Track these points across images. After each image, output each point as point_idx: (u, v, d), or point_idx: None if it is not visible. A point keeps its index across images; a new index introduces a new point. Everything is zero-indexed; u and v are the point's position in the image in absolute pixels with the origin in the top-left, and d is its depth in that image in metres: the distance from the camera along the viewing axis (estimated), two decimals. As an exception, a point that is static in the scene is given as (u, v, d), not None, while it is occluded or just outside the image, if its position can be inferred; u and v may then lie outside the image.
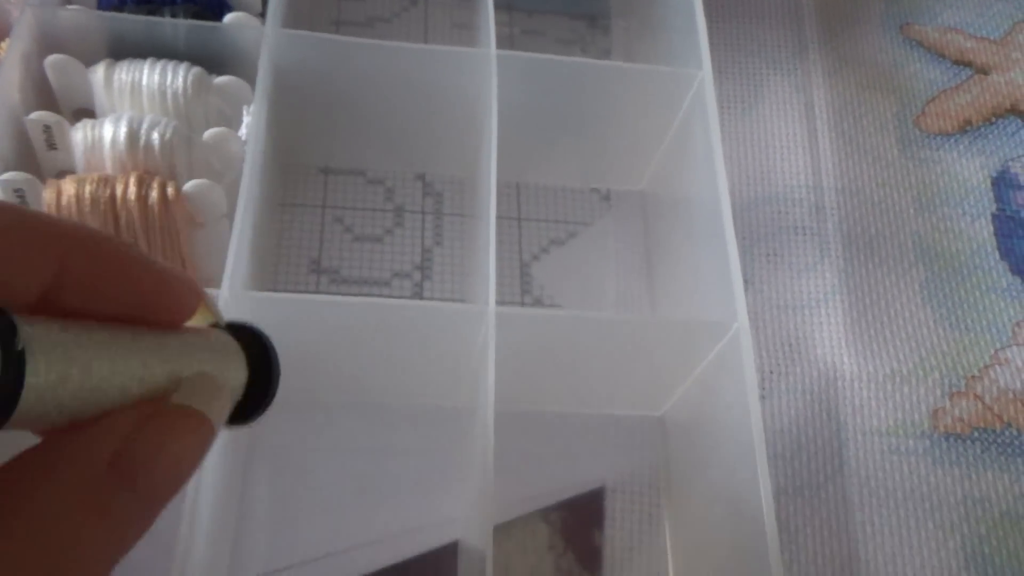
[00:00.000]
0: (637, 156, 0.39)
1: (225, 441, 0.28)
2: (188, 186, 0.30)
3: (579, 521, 0.33)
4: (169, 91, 0.31)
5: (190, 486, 0.24)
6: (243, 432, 0.29)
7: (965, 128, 0.43)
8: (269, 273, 0.35)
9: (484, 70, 0.32)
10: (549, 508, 0.33)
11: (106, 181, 0.30)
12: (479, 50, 0.33)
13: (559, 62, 0.33)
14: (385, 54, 0.33)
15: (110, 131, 0.30)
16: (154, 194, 0.29)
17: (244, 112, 0.32)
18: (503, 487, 0.32)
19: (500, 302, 0.36)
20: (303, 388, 0.29)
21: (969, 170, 0.42)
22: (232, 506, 0.30)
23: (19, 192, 0.29)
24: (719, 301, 0.30)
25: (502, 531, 0.32)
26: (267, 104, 0.32)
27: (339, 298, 0.28)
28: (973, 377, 0.37)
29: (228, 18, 0.33)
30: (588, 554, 0.32)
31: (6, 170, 0.29)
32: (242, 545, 0.30)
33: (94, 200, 0.29)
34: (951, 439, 0.35)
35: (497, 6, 0.44)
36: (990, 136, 0.43)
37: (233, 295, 0.27)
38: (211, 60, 0.33)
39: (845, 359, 0.37)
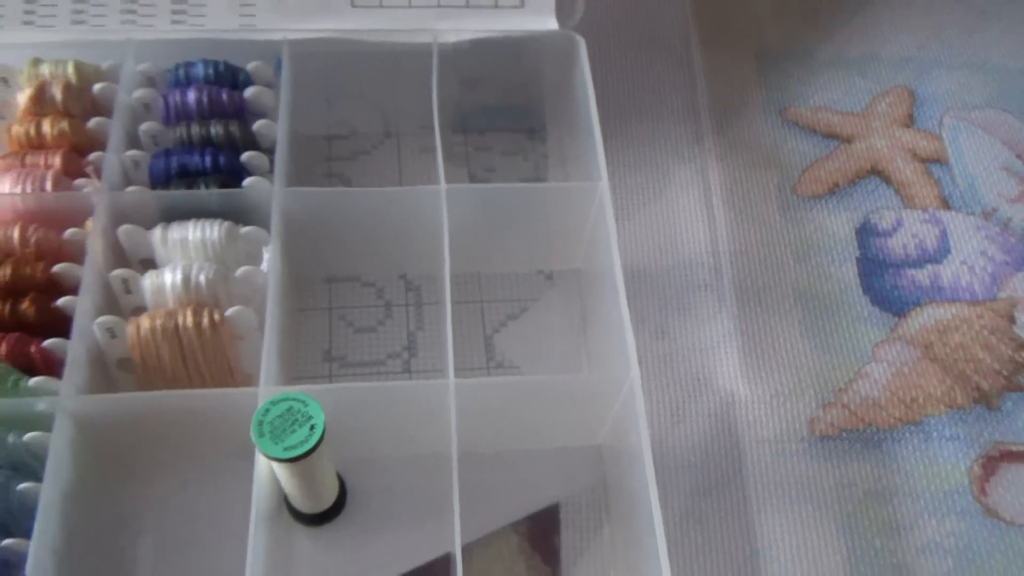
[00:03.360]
0: (570, 243, 0.49)
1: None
2: (229, 312, 0.41)
3: (541, 530, 0.43)
4: (208, 242, 0.43)
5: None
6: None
7: (833, 190, 0.54)
8: (292, 365, 0.46)
9: (437, 201, 0.44)
10: (518, 522, 0.44)
11: (170, 314, 0.41)
12: (432, 187, 0.44)
13: (491, 188, 0.45)
14: (363, 196, 0.45)
15: (169, 277, 0.42)
16: (205, 321, 0.41)
17: (264, 252, 0.43)
18: (480, 510, 0.43)
19: (468, 368, 0.47)
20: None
21: (837, 224, 0.52)
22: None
23: (110, 329, 0.41)
24: (620, 356, 0.40)
25: (482, 543, 0.43)
26: (280, 244, 0.43)
27: (336, 385, 0.39)
28: (840, 390, 0.47)
29: (246, 182, 0.44)
30: (550, 554, 0.43)
31: (98, 315, 0.41)
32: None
33: (164, 329, 0.41)
34: (824, 440, 0.46)
35: (454, 129, 0.56)
36: (854, 194, 0.54)
37: (266, 389, 0.38)
38: (237, 215, 0.44)
39: (740, 386, 0.47)
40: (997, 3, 0.62)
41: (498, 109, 0.56)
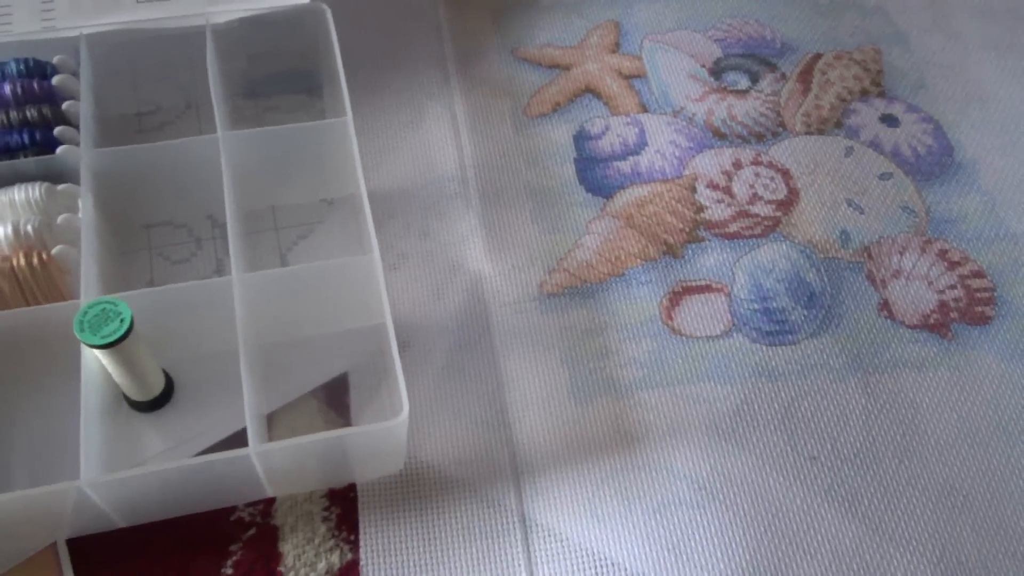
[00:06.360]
0: (339, 173, 0.61)
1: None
2: (55, 251, 0.52)
3: (335, 393, 0.55)
4: (31, 200, 0.53)
5: None
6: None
7: (556, 108, 0.67)
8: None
9: (217, 147, 0.55)
10: (316, 390, 0.55)
11: (5, 258, 0.51)
12: (212, 135, 0.56)
13: (255, 132, 0.56)
14: (153, 150, 0.56)
15: (1, 230, 0.52)
16: (35, 260, 0.51)
17: (79, 203, 0.54)
18: (285, 384, 0.54)
19: (268, 280, 0.58)
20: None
21: (558, 134, 0.65)
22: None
23: (-42, 276, 0.51)
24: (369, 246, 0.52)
25: (288, 407, 0.54)
26: (92, 195, 0.54)
27: (139, 291, 0.50)
28: (562, 259, 0.60)
29: (59, 150, 0.55)
30: (342, 410, 0.55)
31: (-52, 266, 0.51)
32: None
33: (1, 271, 0.51)
34: (551, 297, 0.59)
35: (245, 96, 0.67)
36: (572, 110, 0.67)
37: (85, 300, 0.49)
38: (56, 177, 0.55)
39: (486, 266, 0.60)
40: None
41: (283, 75, 0.68)
